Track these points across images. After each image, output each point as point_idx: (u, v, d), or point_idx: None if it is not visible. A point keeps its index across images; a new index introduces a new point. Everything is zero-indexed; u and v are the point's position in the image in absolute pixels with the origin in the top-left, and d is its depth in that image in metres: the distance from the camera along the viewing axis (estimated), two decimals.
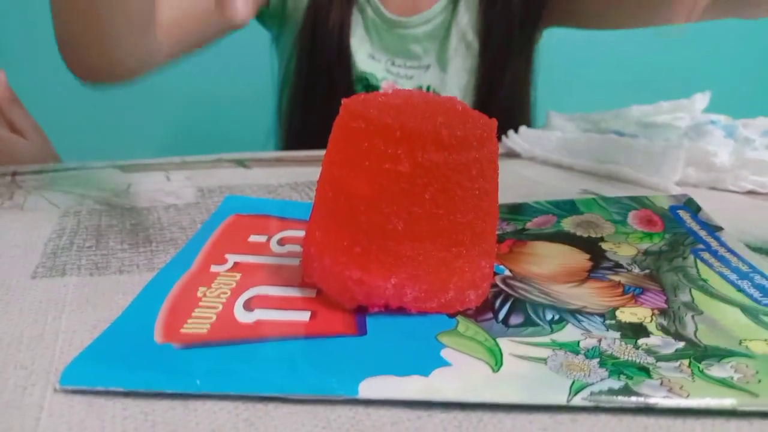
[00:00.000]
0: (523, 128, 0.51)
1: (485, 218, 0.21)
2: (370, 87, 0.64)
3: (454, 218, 0.20)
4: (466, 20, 0.63)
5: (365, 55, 0.64)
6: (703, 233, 0.28)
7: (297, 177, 0.40)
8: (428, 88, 0.65)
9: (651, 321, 0.21)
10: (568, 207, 0.30)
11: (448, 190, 0.19)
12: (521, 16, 0.62)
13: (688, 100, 0.55)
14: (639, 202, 0.31)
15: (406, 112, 0.20)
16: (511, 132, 0.51)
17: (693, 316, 0.21)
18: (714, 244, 0.27)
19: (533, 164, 0.47)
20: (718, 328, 0.20)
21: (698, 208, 0.30)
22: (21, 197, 0.34)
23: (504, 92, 0.64)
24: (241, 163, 0.44)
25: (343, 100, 0.21)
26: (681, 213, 0.30)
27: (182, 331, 0.19)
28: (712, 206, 0.31)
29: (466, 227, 0.20)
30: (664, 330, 0.20)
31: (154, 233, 0.28)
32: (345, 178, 0.20)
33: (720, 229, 0.28)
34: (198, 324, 0.20)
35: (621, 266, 0.25)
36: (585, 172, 0.44)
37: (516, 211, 0.30)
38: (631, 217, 0.29)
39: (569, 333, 0.20)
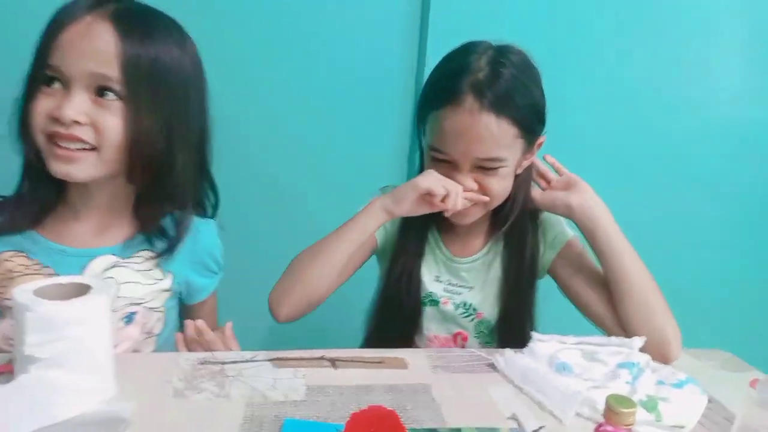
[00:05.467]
0: (508, 351, 0.82)
1: None
2: (433, 302, 1.01)
3: None
4: (497, 264, 1.00)
5: (432, 278, 1.01)
6: None
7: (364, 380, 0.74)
8: (469, 304, 1.01)
9: None
10: None
11: None
12: (530, 268, 0.98)
13: (630, 340, 0.82)
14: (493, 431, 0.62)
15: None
16: (498, 355, 0.81)
17: None
18: None
19: (503, 382, 0.77)
20: None
21: None
22: (227, 387, 0.72)
23: (518, 309, 0.99)
24: (333, 363, 0.80)
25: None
26: None
27: None
28: None
29: None
30: None
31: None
32: None
33: None
34: None
35: None
36: (527, 395, 0.74)
37: None
38: None
39: None
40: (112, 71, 0.73)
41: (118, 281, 0.83)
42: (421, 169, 0.99)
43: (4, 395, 0.60)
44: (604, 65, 1.51)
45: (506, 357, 0.80)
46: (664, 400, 0.68)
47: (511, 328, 0.98)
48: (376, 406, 0.56)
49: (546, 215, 1.00)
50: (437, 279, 1.01)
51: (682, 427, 0.65)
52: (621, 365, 0.76)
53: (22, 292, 0.62)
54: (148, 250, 0.86)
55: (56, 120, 0.73)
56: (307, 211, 1.46)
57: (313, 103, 1.42)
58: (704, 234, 1.69)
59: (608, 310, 0.90)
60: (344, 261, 0.90)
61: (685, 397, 0.69)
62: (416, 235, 1.00)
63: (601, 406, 0.67)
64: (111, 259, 0.84)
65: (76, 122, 0.73)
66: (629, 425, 0.52)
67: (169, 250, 0.85)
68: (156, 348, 0.90)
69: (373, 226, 0.91)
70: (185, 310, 0.95)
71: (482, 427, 0.64)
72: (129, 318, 0.85)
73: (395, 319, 1.00)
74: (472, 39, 1.06)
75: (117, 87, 0.74)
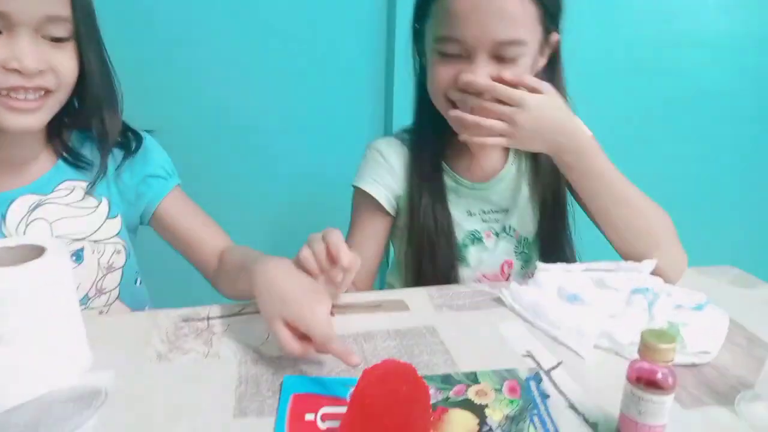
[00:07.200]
0: (513, 284, 0.76)
1: None
2: (476, 239, 0.93)
3: None
4: (524, 181, 0.92)
5: (464, 215, 0.92)
6: (538, 399, 0.54)
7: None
8: (509, 226, 0.93)
9: None
10: (473, 378, 0.57)
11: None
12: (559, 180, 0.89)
13: (640, 264, 0.77)
14: (511, 373, 0.58)
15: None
16: (503, 288, 0.76)
17: None
18: (542, 408, 0.53)
19: (512, 318, 0.72)
20: None
21: (540, 379, 0.57)
22: (215, 345, 0.65)
23: (554, 222, 0.92)
24: None
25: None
26: (531, 383, 0.56)
27: None
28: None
29: None
30: None
31: (267, 384, 0.58)
32: None
33: (548, 396, 0.54)
34: None
35: (491, 429, 0.50)
36: (540, 329, 0.69)
37: (445, 381, 0.57)
38: (505, 386, 0.56)
39: None
40: (65, 11, 0.67)
41: (48, 220, 0.75)
42: (418, 86, 0.90)
43: None
44: None
45: (512, 290, 0.75)
46: (686, 325, 0.64)
47: (552, 242, 0.91)
48: (389, 360, 0.50)
49: None
50: (469, 213, 0.92)
51: (708, 352, 0.62)
52: (634, 291, 0.71)
53: None
54: (71, 180, 0.78)
55: (12, 71, 0.64)
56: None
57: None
58: (696, 148, 1.67)
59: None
60: None
61: (707, 320, 0.66)
62: (430, 175, 0.89)
63: (621, 337, 0.64)
64: (32, 198, 0.75)
65: (39, 71, 0.66)
66: (668, 362, 0.47)
67: (101, 170, 0.78)
68: (121, 281, 0.83)
69: None
70: (156, 221, 0.86)
71: (499, 369, 0.59)
72: (77, 256, 0.78)
73: (432, 271, 0.89)
74: None
75: (69, 26, 0.68)
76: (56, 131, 0.77)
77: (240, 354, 0.63)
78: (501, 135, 0.76)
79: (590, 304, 0.71)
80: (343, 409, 0.52)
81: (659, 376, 0.47)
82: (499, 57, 0.76)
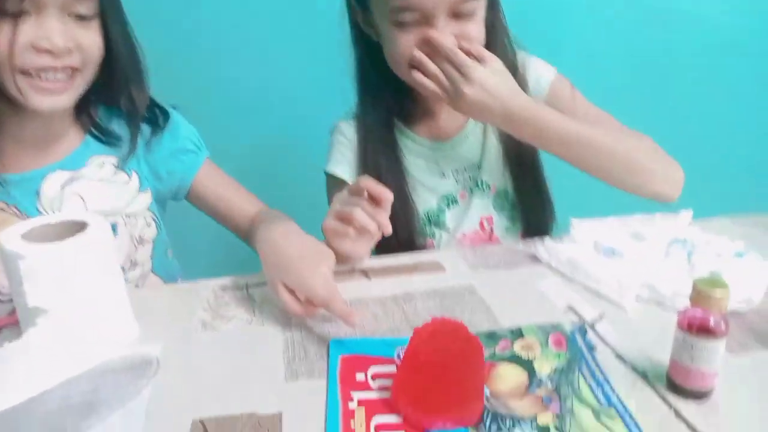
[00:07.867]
0: (547, 239, 0.76)
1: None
2: (452, 201, 0.91)
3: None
4: (491, 131, 0.91)
5: (438, 176, 0.90)
6: (585, 351, 0.54)
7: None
8: (483, 181, 0.91)
9: (552, 423, 0.46)
10: (518, 333, 0.58)
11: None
12: None
13: (676, 214, 0.76)
14: (555, 327, 0.58)
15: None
16: (539, 245, 0.76)
17: (570, 420, 0.47)
18: (590, 359, 0.53)
19: (549, 274, 0.72)
20: (582, 428, 0.46)
21: (585, 331, 0.57)
22: (258, 313, 0.66)
23: (529, 170, 0.92)
24: (365, 274, 0.74)
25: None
26: (576, 335, 0.57)
27: None
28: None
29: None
30: (558, 429, 0.45)
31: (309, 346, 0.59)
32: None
33: (594, 348, 0.55)
34: None
35: (541, 381, 0.51)
36: (579, 284, 0.69)
37: (490, 337, 0.57)
38: (550, 340, 0.56)
39: None
40: None
41: (82, 196, 0.77)
42: (360, 64, 0.88)
43: (14, 353, 0.53)
44: None
45: (547, 246, 0.75)
46: (728, 273, 0.63)
47: (529, 194, 0.91)
48: (439, 318, 0.50)
49: (521, 56, 0.87)
50: (443, 175, 0.90)
51: (751, 300, 0.61)
52: (672, 242, 0.71)
53: (10, 239, 0.53)
54: (100, 155, 0.79)
55: (43, 51, 0.65)
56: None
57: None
58: (715, 97, 1.62)
59: None
60: None
61: (748, 268, 0.65)
62: (377, 137, 0.87)
63: (663, 288, 0.64)
64: (65, 174, 0.76)
65: (68, 49, 0.66)
66: (722, 308, 0.47)
67: (131, 146, 0.79)
68: (153, 253, 0.84)
69: None
70: (191, 195, 0.86)
71: (543, 324, 0.59)
72: (112, 230, 0.78)
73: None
74: None
75: (94, 4, 0.68)
76: (83, 108, 0.77)
77: (282, 320, 0.64)
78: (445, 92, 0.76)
79: (628, 257, 0.70)
80: (391, 369, 0.53)
81: (712, 322, 0.47)
82: (458, 14, 0.75)
